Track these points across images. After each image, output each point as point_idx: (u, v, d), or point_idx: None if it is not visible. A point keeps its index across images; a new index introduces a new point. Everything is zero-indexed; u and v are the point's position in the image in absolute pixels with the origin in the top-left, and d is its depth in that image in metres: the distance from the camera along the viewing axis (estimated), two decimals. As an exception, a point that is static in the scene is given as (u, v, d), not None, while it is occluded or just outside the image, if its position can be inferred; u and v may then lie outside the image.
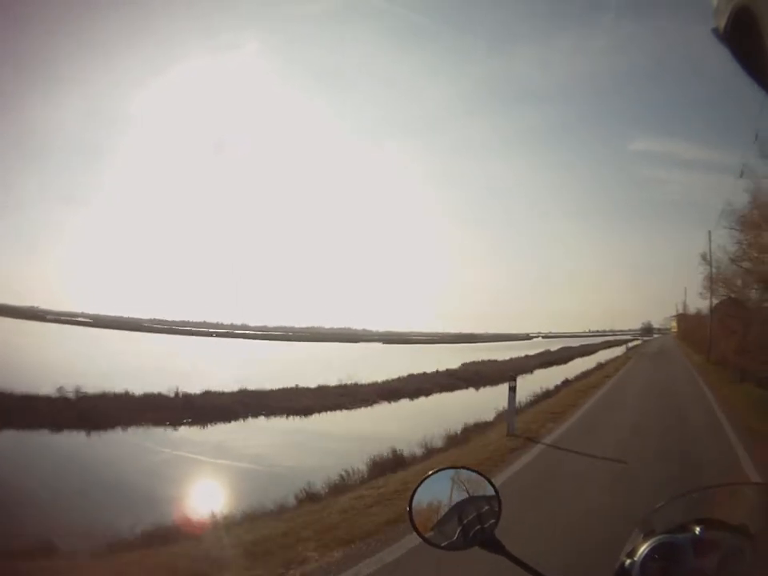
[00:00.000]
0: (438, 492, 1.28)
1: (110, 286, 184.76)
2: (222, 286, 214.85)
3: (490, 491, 1.28)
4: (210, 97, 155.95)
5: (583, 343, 74.89)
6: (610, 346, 64.05)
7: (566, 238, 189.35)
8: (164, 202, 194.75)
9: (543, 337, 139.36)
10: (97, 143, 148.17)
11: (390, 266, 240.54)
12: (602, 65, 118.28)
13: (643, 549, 1.10)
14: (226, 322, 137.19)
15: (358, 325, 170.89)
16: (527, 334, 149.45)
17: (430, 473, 1.32)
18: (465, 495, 1.27)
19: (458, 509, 1.25)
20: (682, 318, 64.79)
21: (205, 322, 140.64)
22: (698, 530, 1.08)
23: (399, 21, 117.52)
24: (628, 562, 1.11)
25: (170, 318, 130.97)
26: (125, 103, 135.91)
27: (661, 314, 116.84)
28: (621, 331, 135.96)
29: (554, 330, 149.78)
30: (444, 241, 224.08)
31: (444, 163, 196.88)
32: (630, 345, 63.67)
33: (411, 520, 1.27)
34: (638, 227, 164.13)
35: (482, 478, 1.30)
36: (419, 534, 1.26)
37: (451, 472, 1.32)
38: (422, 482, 1.31)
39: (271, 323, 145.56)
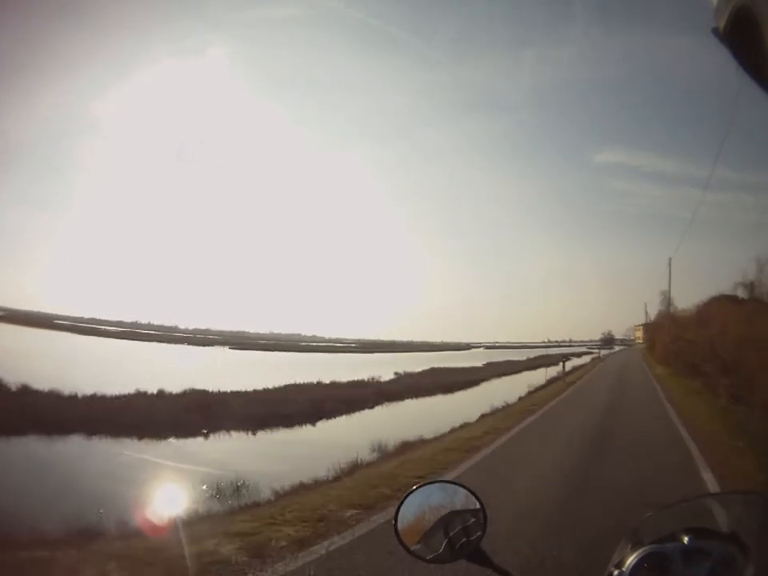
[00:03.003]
0: (423, 506, 1.25)
1: (69, 287, 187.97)
2: (170, 288, 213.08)
3: (475, 504, 1.24)
4: (176, 102, 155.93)
5: (509, 359, 50.93)
6: (537, 366, 39.45)
7: (531, 247, 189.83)
8: (122, 206, 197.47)
9: (486, 347, 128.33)
10: (64, 150, 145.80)
11: (353, 273, 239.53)
12: (569, 76, 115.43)
13: (632, 559, 1.06)
14: (162, 323, 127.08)
15: (310, 331, 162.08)
16: (468, 344, 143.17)
17: (415, 487, 1.30)
18: (450, 509, 1.25)
19: (444, 522, 1.23)
20: (659, 324, 40.62)
21: (136, 323, 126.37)
22: (687, 539, 1.05)
23: (366, 29, 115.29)
24: (616, 572, 1.07)
25: (105, 318, 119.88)
26: (92, 109, 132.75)
27: (624, 324, 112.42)
28: (580, 342, 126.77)
29: (513, 340, 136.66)
30: (408, 250, 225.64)
31: (409, 171, 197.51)
32: (572, 364, 39.05)
33: (397, 533, 1.24)
34: (604, 238, 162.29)
35: (468, 492, 1.26)
36: (405, 547, 1.23)
37: (437, 486, 1.32)
38: (407, 495, 1.28)
39: (209, 326, 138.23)
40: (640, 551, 1.06)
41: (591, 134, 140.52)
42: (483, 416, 13.29)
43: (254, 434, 13.77)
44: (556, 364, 44.35)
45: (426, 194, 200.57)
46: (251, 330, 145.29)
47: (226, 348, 65.56)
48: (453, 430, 11.23)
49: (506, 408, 14.36)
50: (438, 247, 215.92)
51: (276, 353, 61.69)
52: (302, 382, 21.33)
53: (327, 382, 22.83)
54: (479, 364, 42.27)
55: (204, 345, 68.29)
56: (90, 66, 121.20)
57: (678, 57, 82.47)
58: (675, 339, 27.02)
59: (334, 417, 16.67)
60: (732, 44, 0.60)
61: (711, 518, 1.17)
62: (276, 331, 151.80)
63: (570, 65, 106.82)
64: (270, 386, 19.94)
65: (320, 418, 16.16)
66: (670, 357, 27.74)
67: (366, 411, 18.03)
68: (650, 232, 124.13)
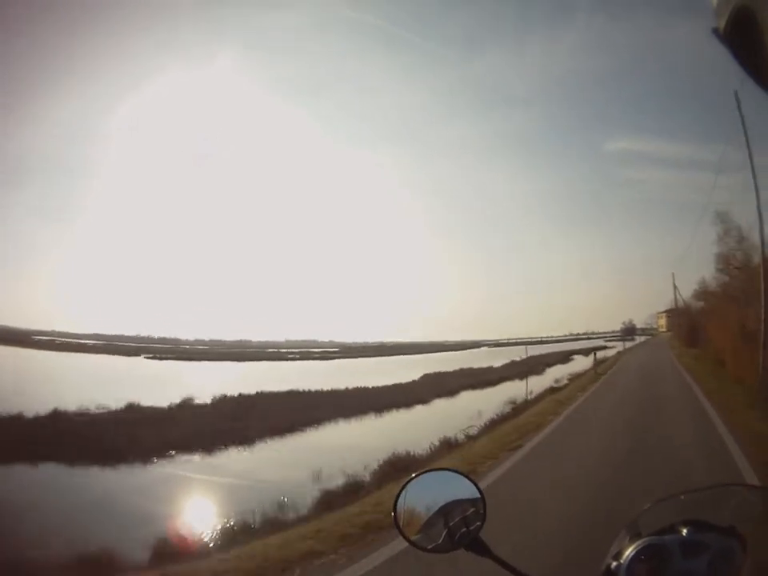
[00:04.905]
0: (423, 495, 1.23)
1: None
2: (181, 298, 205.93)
3: (475, 493, 1.22)
4: (188, 110, 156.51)
5: (471, 367, 38.85)
6: (496, 382, 25.56)
7: (547, 240, 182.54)
8: (129, 212, 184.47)
9: (491, 346, 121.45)
10: (70, 159, 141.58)
11: (368, 276, 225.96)
12: (575, 64, 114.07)
13: (630, 551, 1.05)
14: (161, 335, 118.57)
15: (326, 337, 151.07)
16: (478, 342, 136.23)
17: (414, 475, 1.28)
18: (450, 498, 1.22)
19: (443, 511, 1.21)
20: (716, 297, 24.87)
21: (148, 337, 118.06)
22: (685, 531, 1.05)
23: (374, 31, 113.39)
24: (614, 564, 1.06)
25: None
26: (102, 119, 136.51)
27: (644, 312, 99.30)
28: (602, 333, 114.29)
29: (533, 335, 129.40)
30: (422, 247, 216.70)
31: (422, 169, 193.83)
32: (553, 376, 24.64)
33: (396, 522, 1.23)
34: (619, 227, 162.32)
35: (467, 481, 1.24)
36: (404, 536, 1.22)
37: (436, 474, 1.29)
38: (406, 484, 1.25)
39: (209, 336, 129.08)
40: (638, 543, 1.04)
41: (599, 123, 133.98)
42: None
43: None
44: (539, 373, 30.57)
45: (438, 192, 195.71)
46: (255, 339, 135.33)
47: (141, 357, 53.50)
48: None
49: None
50: (455, 245, 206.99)
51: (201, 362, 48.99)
52: None
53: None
54: (414, 377, 29.83)
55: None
56: (100, 76, 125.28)
57: (683, 41, 78.00)
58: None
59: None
60: (732, 44, 0.60)
61: (710, 510, 1.14)
62: (293, 338, 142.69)
63: (576, 53, 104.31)
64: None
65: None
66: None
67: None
68: (665, 219, 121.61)
